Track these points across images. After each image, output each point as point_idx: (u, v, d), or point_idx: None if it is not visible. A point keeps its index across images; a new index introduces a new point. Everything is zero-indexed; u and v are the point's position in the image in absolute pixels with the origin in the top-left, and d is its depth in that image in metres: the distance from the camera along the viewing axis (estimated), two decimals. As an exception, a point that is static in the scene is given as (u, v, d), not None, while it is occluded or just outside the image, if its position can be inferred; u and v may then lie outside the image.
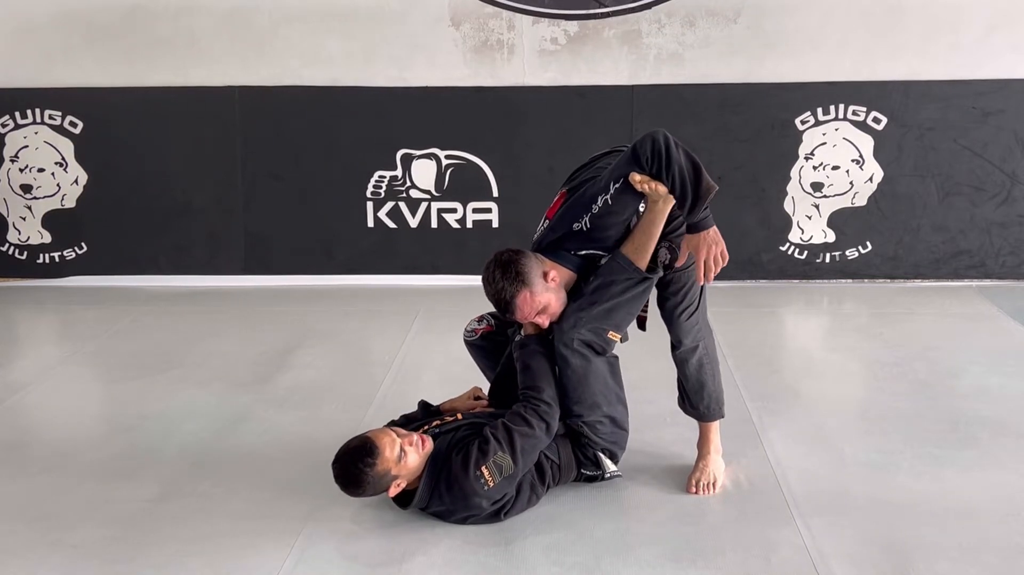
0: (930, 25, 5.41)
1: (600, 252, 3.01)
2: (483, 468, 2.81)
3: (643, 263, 2.97)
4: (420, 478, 2.87)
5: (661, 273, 3.03)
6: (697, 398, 3.21)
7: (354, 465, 2.78)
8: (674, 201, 2.88)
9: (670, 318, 3.13)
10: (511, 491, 2.91)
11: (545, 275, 2.96)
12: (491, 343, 3.29)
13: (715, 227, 2.93)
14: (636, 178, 2.84)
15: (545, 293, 2.95)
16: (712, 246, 2.91)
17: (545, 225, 3.08)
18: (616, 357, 3.12)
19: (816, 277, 5.69)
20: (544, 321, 3.01)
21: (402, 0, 5.52)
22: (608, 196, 2.89)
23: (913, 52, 5.44)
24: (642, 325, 3.19)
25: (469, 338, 3.35)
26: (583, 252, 3.02)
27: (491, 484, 2.82)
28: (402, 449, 2.81)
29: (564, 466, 3.07)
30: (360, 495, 2.85)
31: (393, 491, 2.85)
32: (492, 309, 3.30)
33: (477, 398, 3.31)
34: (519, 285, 2.91)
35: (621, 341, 3.09)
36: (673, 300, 3.10)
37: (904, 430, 3.59)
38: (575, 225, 2.96)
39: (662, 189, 2.84)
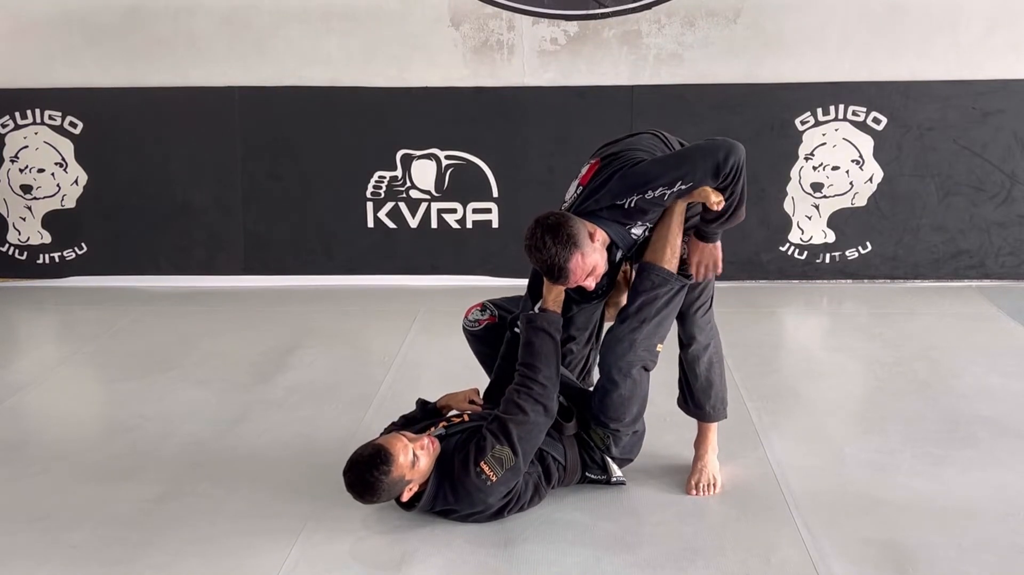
0: (930, 25, 5.41)
1: (629, 224, 2.96)
2: (482, 464, 2.81)
3: (675, 268, 2.99)
4: (428, 481, 2.86)
5: (692, 280, 3.04)
6: (704, 397, 3.20)
7: (369, 473, 2.75)
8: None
9: (685, 314, 3.11)
10: (520, 482, 2.89)
11: (591, 236, 2.88)
12: (493, 334, 3.26)
13: (719, 242, 3.02)
14: (713, 200, 2.85)
15: (593, 254, 2.87)
16: (714, 253, 3.02)
17: (579, 192, 2.99)
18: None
19: (816, 277, 5.69)
20: (591, 284, 2.92)
21: (402, 0, 5.53)
22: (669, 192, 2.84)
23: (913, 52, 5.44)
24: None
25: (471, 328, 3.30)
26: (615, 221, 2.96)
27: (494, 479, 2.82)
28: (414, 454, 2.80)
29: (570, 469, 3.06)
30: (374, 502, 2.83)
31: (407, 496, 2.84)
32: (491, 298, 3.32)
33: (472, 402, 3.26)
34: (572, 248, 2.81)
35: None
36: (690, 296, 3.09)
37: (904, 430, 3.59)
38: (619, 200, 2.89)
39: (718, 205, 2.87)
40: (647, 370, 3.02)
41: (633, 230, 2.97)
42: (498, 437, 2.85)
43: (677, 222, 2.97)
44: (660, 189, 2.84)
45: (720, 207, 2.87)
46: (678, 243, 2.99)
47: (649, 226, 3.00)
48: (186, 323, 5.09)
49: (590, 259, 2.86)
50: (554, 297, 3.03)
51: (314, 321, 5.08)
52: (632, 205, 2.88)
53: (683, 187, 2.84)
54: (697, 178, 2.83)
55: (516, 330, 3.13)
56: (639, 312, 2.97)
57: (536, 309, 3.05)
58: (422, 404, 3.31)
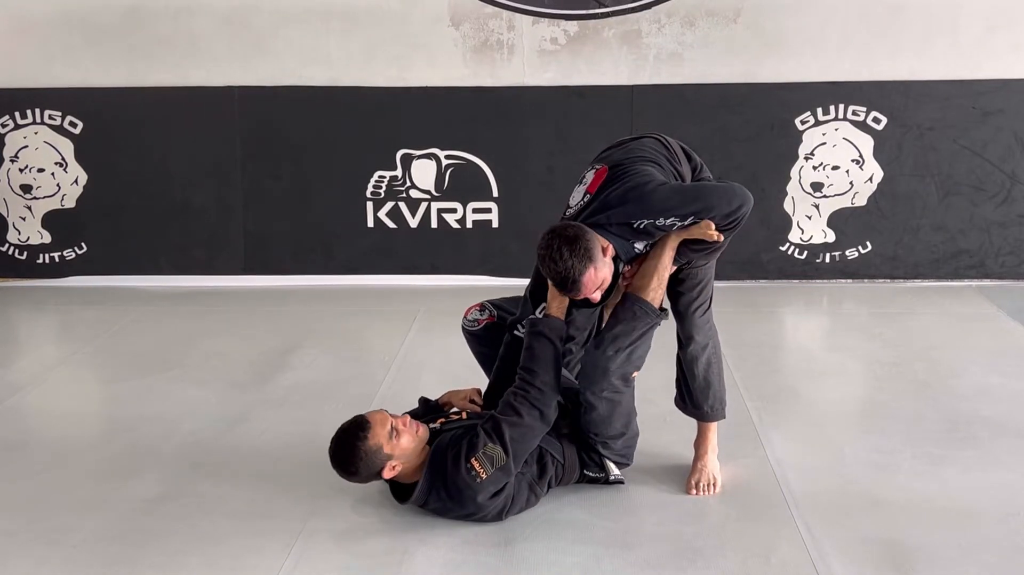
0: (930, 25, 5.41)
1: (634, 239, 2.98)
2: (473, 460, 2.82)
3: (659, 301, 3.01)
4: (420, 472, 2.88)
5: (668, 316, 3.08)
6: (702, 397, 3.20)
7: (347, 440, 2.84)
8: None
9: (684, 314, 3.12)
10: (511, 482, 2.89)
11: (604, 250, 2.89)
12: (492, 334, 3.26)
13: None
14: (713, 235, 2.91)
15: (604, 268, 2.89)
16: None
17: (586, 199, 2.99)
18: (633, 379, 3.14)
19: (816, 277, 5.69)
20: (597, 297, 2.95)
21: (402, 0, 5.53)
22: (680, 223, 2.91)
23: (913, 52, 5.44)
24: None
25: (470, 327, 3.31)
26: (622, 236, 2.97)
27: (483, 476, 2.82)
28: (393, 427, 2.86)
29: (568, 466, 3.07)
30: (356, 476, 2.86)
31: (388, 473, 2.86)
32: (490, 298, 3.34)
33: (472, 401, 3.28)
34: (587, 262, 2.82)
35: None
36: (688, 296, 3.10)
37: (904, 430, 3.59)
38: (633, 221, 2.91)
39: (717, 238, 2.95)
40: (620, 393, 3.04)
41: (636, 244, 2.98)
42: (491, 435, 2.86)
43: (669, 256, 2.99)
44: (672, 219, 2.89)
45: (716, 240, 2.94)
46: (666, 276, 3.01)
47: (650, 242, 3.02)
48: (186, 323, 5.09)
49: (601, 273, 2.88)
50: (558, 303, 3.04)
51: (314, 321, 5.08)
52: (642, 227, 2.92)
53: (694, 220, 2.92)
54: (709, 216, 2.92)
55: (516, 332, 3.13)
56: (615, 341, 2.99)
57: (540, 314, 3.06)
58: (424, 402, 3.33)
